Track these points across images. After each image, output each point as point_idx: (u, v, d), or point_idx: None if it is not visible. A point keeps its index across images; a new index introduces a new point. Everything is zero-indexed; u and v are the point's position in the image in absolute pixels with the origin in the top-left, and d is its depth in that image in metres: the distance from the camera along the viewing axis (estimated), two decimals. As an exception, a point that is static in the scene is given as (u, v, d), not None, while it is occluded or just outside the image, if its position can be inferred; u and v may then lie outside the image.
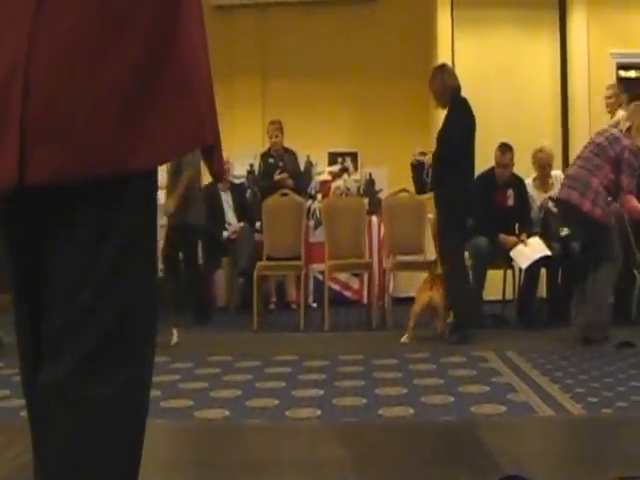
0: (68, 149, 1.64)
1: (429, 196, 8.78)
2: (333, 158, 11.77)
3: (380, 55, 11.52)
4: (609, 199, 7.03)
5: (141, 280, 1.85)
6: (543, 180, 8.69)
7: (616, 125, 7.29)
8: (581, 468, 3.78)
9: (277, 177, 9.77)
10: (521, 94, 10.15)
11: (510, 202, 8.46)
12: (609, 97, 9.33)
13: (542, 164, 8.62)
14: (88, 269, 1.73)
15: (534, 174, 8.74)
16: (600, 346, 6.87)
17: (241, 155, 10.91)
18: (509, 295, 8.80)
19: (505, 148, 8.46)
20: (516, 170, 8.58)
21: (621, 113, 9.11)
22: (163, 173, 9.19)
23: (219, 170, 1.98)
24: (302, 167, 10.54)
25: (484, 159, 8.78)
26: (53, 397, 1.72)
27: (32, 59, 1.62)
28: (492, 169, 8.59)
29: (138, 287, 1.83)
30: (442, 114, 10.53)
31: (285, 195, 9.16)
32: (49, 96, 1.63)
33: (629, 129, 7.05)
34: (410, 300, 9.54)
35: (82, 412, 1.71)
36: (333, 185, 10.53)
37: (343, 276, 10.04)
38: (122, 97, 1.68)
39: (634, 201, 7.02)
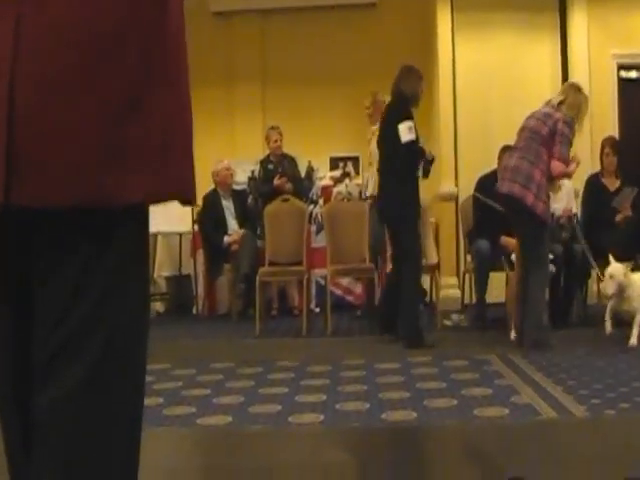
0: (53, 173, 1.63)
1: (430, 200, 8.81)
2: (334, 163, 11.76)
3: (380, 60, 11.50)
4: (549, 193, 7.03)
5: (131, 303, 1.85)
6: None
7: (547, 103, 7.21)
8: (585, 470, 3.77)
9: (276, 182, 9.79)
10: (522, 97, 10.13)
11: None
12: (367, 107, 9.45)
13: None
14: (78, 293, 1.74)
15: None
16: (603, 347, 6.88)
17: (242, 161, 10.92)
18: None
19: (511, 148, 8.46)
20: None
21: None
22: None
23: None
24: (303, 172, 10.56)
25: (486, 162, 8.80)
26: (52, 418, 1.73)
27: (16, 75, 1.61)
28: (494, 172, 8.59)
29: (129, 310, 1.84)
30: (444, 117, 10.60)
31: (287, 200, 9.16)
32: (36, 116, 1.62)
33: (561, 103, 7.02)
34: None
35: (81, 430, 1.72)
36: (335, 190, 10.54)
37: (345, 281, 10.05)
38: (106, 130, 1.67)
39: (561, 167, 6.88)
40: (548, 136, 6.86)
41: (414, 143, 7.48)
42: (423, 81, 7.83)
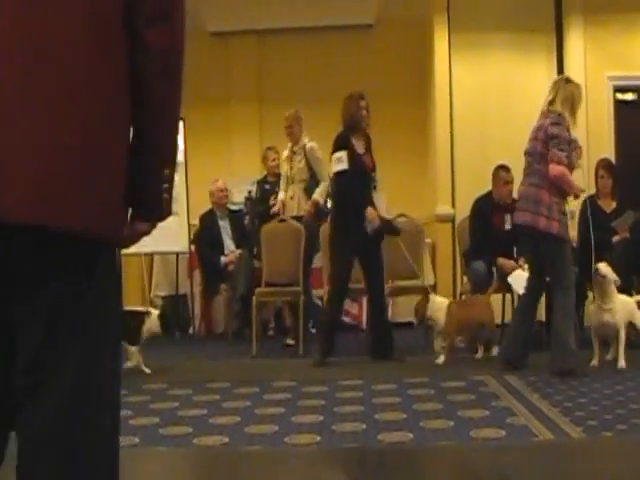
0: (19, 188, 1.65)
1: (427, 221, 8.80)
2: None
3: (377, 80, 11.53)
4: (564, 209, 6.93)
5: (104, 339, 1.89)
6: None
7: (541, 114, 7.12)
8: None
9: (272, 202, 9.78)
10: (518, 117, 10.15)
11: (507, 226, 8.45)
12: (290, 126, 9.35)
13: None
14: (52, 327, 1.79)
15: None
16: (599, 369, 6.88)
17: (239, 181, 10.92)
18: (508, 319, 8.80)
19: (506, 167, 8.49)
20: (513, 192, 8.58)
21: (306, 139, 9.12)
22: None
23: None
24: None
25: (483, 182, 8.80)
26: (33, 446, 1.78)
27: None
28: (489, 193, 8.61)
29: (101, 349, 1.89)
30: (441, 138, 10.59)
31: (283, 221, 9.15)
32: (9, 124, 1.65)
33: (552, 101, 6.95)
34: (409, 325, 9.56)
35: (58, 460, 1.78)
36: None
37: (342, 301, 10.02)
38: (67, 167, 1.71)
39: (558, 168, 6.73)
40: (543, 149, 6.80)
41: (343, 173, 7.80)
42: (364, 100, 8.01)
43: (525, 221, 6.91)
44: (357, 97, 7.98)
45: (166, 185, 2.01)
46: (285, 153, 9.48)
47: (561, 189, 6.85)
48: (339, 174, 7.87)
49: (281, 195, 9.43)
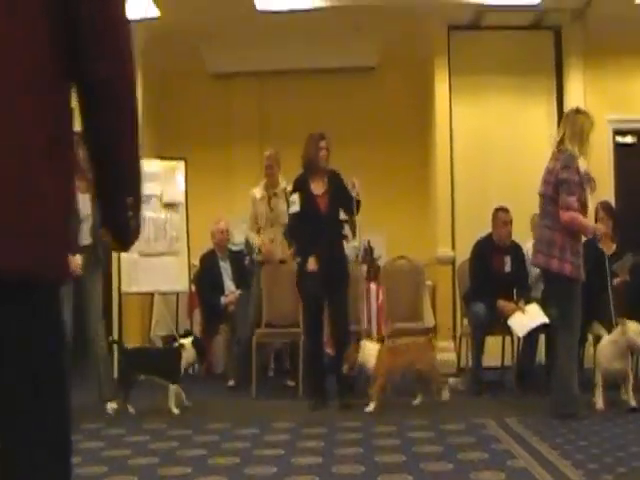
0: None
1: (427, 263, 8.79)
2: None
3: (378, 121, 11.59)
4: (578, 250, 6.87)
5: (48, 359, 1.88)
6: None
7: (552, 155, 7.09)
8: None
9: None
10: (519, 160, 10.20)
11: (507, 268, 8.47)
12: (271, 167, 9.39)
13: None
14: None
15: (532, 240, 8.73)
16: (600, 412, 6.85)
17: (240, 222, 10.91)
18: (508, 361, 8.79)
19: (505, 209, 8.52)
20: (514, 235, 8.60)
21: (284, 182, 9.15)
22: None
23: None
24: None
25: (483, 224, 8.81)
26: None
27: None
28: (490, 235, 8.62)
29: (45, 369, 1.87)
30: (441, 180, 10.61)
31: (283, 262, 9.14)
32: None
33: (562, 140, 6.91)
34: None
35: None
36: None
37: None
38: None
39: (567, 214, 6.69)
40: (554, 194, 6.78)
41: (296, 215, 7.96)
42: (324, 140, 8.03)
43: (539, 264, 6.98)
44: (317, 138, 7.99)
45: (130, 213, 2.01)
46: (258, 193, 9.48)
47: (574, 231, 6.85)
48: (293, 216, 8.01)
49: (256, 238, 9.43)
